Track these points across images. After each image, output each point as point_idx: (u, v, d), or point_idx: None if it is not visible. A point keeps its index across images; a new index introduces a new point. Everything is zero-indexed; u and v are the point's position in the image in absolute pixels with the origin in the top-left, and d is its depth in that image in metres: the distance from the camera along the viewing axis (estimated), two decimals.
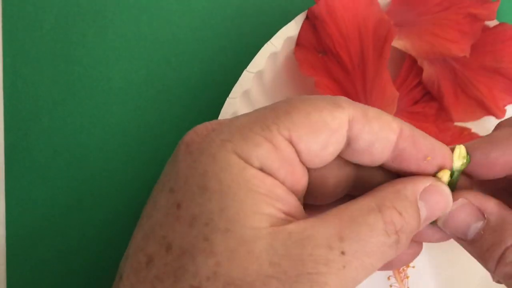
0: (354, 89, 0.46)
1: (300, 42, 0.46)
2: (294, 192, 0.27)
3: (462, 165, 0.29)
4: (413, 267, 0.46)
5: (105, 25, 0.49)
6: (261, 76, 0.46)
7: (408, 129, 0.28)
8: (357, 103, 0.28)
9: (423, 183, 0.28)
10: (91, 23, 0.46)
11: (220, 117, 0.44)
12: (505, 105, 0.48)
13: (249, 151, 0.25)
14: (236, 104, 0.44)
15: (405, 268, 0.46)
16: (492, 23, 0.47)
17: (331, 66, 0.46)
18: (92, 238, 0.48)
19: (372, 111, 0.27)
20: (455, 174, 0.29)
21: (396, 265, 0.31)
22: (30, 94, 0.47)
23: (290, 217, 0.25)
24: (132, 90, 0.49)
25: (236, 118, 0.27)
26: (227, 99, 0.44)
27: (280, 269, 0.23)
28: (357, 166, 0.29)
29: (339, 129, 0.26)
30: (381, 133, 0.27)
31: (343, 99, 0.27)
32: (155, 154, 0.48)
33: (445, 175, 0.29)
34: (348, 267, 0.24)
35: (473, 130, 0.48)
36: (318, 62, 0.46)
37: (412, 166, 0.28)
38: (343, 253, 0.24)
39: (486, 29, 0.47)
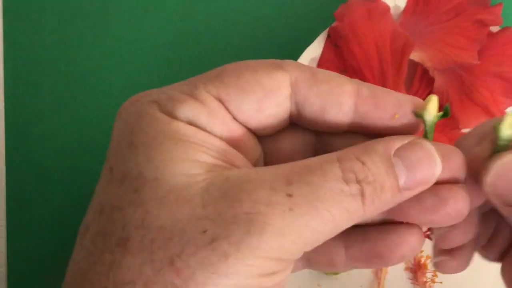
0: None
1: (322, 62, 0.45)
2: (242, 154, 0.25)
3: (435, 117, 0.26)
4: (441, 282, 0.48)
5: (106, 28, 0.48)
6: None
7: (366, 89, 0.26)
8: (308, 66, 0.26)
9: (399, 141, 0.24)
10: (92, 25, 0.45)
11: None
12: (505, 108, 0.50)
13: (174, 107, 0.24)
14: None
15: (431, 285, 0.47)
16: (494, 28, 0.48)
17: None
18: None
19: (323, 73, 0.26)
20: (428, 127, 0.26)
21: (448, 243, 0.29)
22: (31, 97, 0.47)
23: (234, 167, 0.24)
24: (133, 93, 0.48)
25: (169, 85, 0.26)
26: None
27: (214, 210, 0.21)
28: (321, 134, 0.27)
29: (275, 90, 0.25)
30: (332, 96, 0.25)
31: (289, 62, 0.26)
32: None
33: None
34: (297, 211, 0.22)
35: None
36: None
37: (381, 129, 0.26)
38: (289, 195, 0.22)
39: (488, 34, 0.48)
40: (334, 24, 0.44)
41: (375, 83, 0.45)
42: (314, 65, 0.44)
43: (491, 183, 0.25)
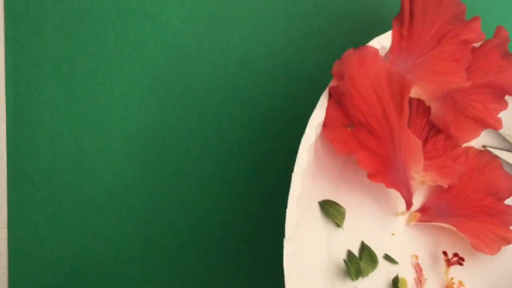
0: (387, 153, 0.44)
1: (327, 122, 0.43)
2: None
3: None
4: (464, 286, 0.48)
5: (107, 30, 0.48)
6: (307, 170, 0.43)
7: None
8: None
9: None
10: (93, 27, 0.45)
11: (287, 232, 0.41)
12: (497, 114, 0.50)
13: None
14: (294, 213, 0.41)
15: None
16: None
17: (363, 137, 0.44)
18: (94, 241, 0.48)
19: None
20: None
21: None
22: (32, 99, 0.48)
23: None
24: (134, 94, 0.49)
25: None
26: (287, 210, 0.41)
27: None
28: None
29: None
30: None
31: None
32: (157, 158, 0.49)
33: None
34: None
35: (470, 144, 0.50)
36: (350, 137, 0.44)
37: None
38: None
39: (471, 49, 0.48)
40: (333, 83, 0.42)
41: (381, 131, 0.44)
42: (320, 129, 0.43)
43: None
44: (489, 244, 0.48)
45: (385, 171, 0.45)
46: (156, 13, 0.49)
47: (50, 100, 0.48)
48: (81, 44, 0.48)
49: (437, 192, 0.48)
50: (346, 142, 0.43)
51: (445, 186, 0.47)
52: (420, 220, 0.47)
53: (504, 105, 0.50)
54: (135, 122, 0.48)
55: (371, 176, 0.44)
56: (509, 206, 0.50)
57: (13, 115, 0.47)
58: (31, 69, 0.48)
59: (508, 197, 0.50)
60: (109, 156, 0.48)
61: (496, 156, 0.51)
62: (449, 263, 0.47)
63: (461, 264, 0.47)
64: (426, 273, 0.47)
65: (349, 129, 0.43)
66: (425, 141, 0.48)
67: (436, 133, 0.49)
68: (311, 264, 0.44)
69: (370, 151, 0.44)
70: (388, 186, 0.44)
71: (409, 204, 0.46)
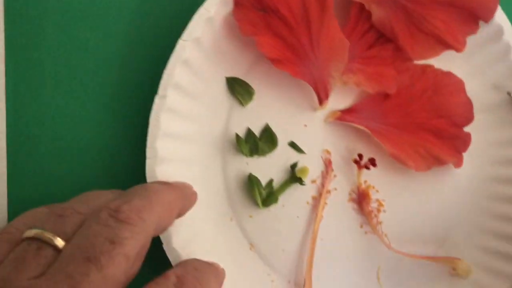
0: (300, 44, 0.44)
1: (238, 2, 0.44)
2: None
3: None
4: (384, 211, 0.48)
5: (107, 29, 0.48)
6: (200, 42, 0.45)
7: None
8: None
9: None
10: (94, 27, 0.44)
11: (160, 89, 0.43)
12: (465, 37, 0.46)
13: None
14: (175, 75, 0.44)
15: (377, 214, 0.48)
16: None
17: (273, 23, 0.44)
18: None
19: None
20: None
21: None
22: (32, 99, 0.47)
23: None
24: (133, 94, 0.49)
25: None
26: (165, 71, 0.44)
27: None
28: None
29: None
30: None
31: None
32: None
33: None
34: None
35: (436, 66, 0.47)
36: (259, 21, 0.44)
37: None
38: None
39: None
40: None
41: (295, 20, 0.43)
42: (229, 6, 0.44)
43: None
44: (416, 159, 0.46)
45: (295, 61, 0.44)
46: (157, 12, 0.48)
47: (50, 100, 0.47)
48: (81, 44, 0.47)
49: (374, 97, 0.47)
50: (253, 24, 0.44)
51: (371, 91, 0.45)
52: (339, 119, 0.47)
53: (474, 29, 0.45)
54: (135, 122, 0.49)
55: (275, 62, 0.44)
56: (467, 133, 0.47)
57: (13, 115, 0.47)
58: (31, 69, 0.47)
59: (466, 124, 0.47)
60: (110, 157, 0.48)
61: (461, 80, 0.47)
62: (359, 165, 0.47)
63: (368, 168, 0.47)
64: (340, 173, 0.48)
65: (261, 13, 0.43)
66: (369, 47, 0.47)
67: (386, 42, 0.46)
68: (201, 135, 0.47)
69: (278, 37, 0.44)
70: (295, 76, 0.44)
71: (321, 100, 0.46)
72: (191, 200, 0.43)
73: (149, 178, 0.43)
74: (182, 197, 0.41)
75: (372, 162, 0.47)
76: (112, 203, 0.33)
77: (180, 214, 0.41)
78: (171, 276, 0.34)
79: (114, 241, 0.31)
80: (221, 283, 0.40)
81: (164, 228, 0.38)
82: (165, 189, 0.38)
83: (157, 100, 0.44)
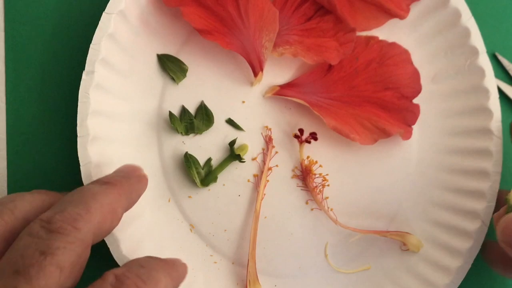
0: (228, 13, 0.42)
1: None
2: None
3: None
4: (328, 185, 0.46)
5: None
6: (125, 16, 0.42)
7: None
8: None
9: None
10: (94, 27, 0.42)
11: (87, 64, 0.41)
12: (409, 4, 0.43)
13: None
14: (101, 50, 0.41)
15: (321, 189, 0.46)
16: None
17: None
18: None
19: None
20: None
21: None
22: (32, 99, 0.47)
23: None
24: None
25: None
26: (91, 45, 0.41)
27: None
28: None
29: None
30: None
31: None
32: None
33: None
34: None
35: (381, 37, 0.44)
36: None
37: None
38: None
39: None
40: None
41: None
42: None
43: (499, 232, 0.37)
44: (362, 132, 0.44)
45: (224, 31, 0.42)
46: None
47: (50, 100, 0.46)
48: (81, 44, 0.45)
49: (316, 71, 0.45)
50: None
51: (311, 62, 0.43)
52: (278, 93, 0.45)
53: None
54: None
55: (204, 33, 0.41)
56: (415, 105, 0.45)
57: (13, 115, 0.46)
58: (31, 69, 0.47)
59: (414, 96, 0.45)
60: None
61: (406, 51, 0.45)
62: (300, 140, 0.45)
63: (309, 142, 0.45)
64: (282, 150, 0.46)
65: None
66: (308, 19, 0.44)
67: (325, 13, 0.44)
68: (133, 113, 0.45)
69: (204, 7, 0.42)
70: (226, 47, 0.42)
71: (255, 71, 0.43)
72: (142, 185, 0.40)
73: (81, 158, 0.41)
74: (126, 193, 0.38)
75: (314, 136, 0.45)
76: (44, 214, 0.32)
77: (128, 208, 0.39)
78: (109, 276, 0.33)
79: (45, 252, 0.30)
80: (176, 279, 0.38)
81: (108, 232, 0.36)
82: (103, 190, 0.36)
83: (84, 76, 0.41)
